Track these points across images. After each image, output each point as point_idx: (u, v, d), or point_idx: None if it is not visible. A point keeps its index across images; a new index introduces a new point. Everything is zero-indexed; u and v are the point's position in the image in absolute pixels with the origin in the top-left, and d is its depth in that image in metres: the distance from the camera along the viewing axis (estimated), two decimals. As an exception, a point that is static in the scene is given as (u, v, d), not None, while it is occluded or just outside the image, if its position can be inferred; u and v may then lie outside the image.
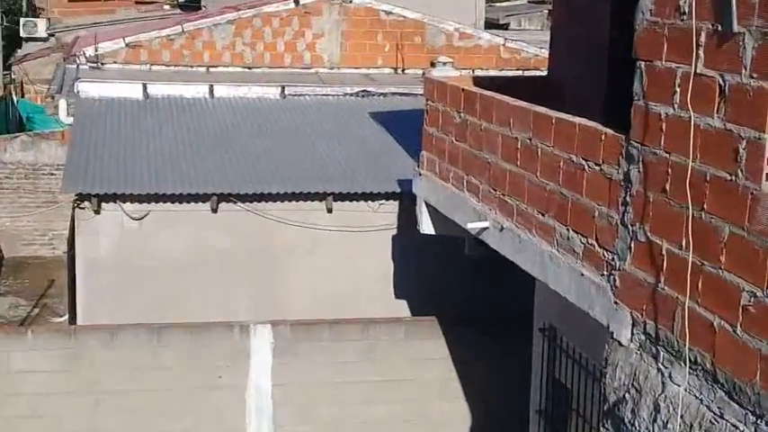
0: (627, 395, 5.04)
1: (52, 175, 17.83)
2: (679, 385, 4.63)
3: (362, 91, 14.10)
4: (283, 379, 10.26)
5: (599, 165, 5.53)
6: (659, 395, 4.77)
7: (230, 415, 10.20)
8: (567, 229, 5.88)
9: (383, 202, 11.43)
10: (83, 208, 10.99)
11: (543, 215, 6.23)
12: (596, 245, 5.54)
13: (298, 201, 11.30)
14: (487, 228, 7.09)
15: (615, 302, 5.30)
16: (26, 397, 9.81)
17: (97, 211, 11.00)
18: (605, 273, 5.43)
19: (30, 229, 18.63)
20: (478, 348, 10.41)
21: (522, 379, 9.10)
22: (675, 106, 4.78)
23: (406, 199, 10.91)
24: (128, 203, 11.06)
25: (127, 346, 9.97)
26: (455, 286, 11.49)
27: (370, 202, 11.43)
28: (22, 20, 24.65)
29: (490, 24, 23.55)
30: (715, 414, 4.33)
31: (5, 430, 9.75)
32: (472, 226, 7.25)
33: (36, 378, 9.81)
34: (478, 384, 10.43)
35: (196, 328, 10.14)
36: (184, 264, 11.22)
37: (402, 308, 11.46)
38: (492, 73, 14.69)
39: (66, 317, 12.75)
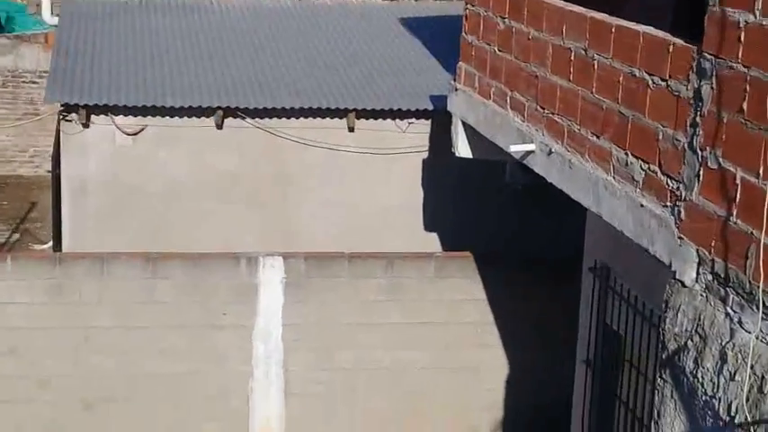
0: (689, 343, 5.09)
1: (34, 83, 17.88)
2: (750, 332, 4.66)
3: (391, -8, 14.07)
4: (295, 319, 10.36)
5: (665, 80, 5.51)
6: (726, 343, 4.82)
7: (234, 359, 10.32)
8: (626, 154, 5.88)
9: (413, 120, 11.44)
10: (69, 121, 11.05)
11: (598, 137, 6.23)
12: (659, 172, 5.54)
13: (315, 117, 11.34)
14: (533, 151, 7.10)
15: (679, 238, 5.32)
16: (4, 332, 9.97)
17: (86, 125, 11.06)
18: (668, 204, 5.44)
19: (8, 145, 18.73)
20: (519, 289, 10.48)
21: (567, 325, 9.19)
22: (757, 13, 4.74)
23: (439, 118, 10.83)
24: (120, 116, 11.10)
25: (118, 277, 10.06)
26: (493, 218, 11.57)
27: (397, 120, 11.45)
28: None
29: None
30: (789, 365, 4.37)
31: (-20, 369, 9.92)
32: (515, 149, 7.25)
33: (16, 311, 9.97)
34: (518, 330, 10.53)
35: (197, 260, 10.22)
36: (184, 187, 11.33)
37: (432, 242, 11.53)
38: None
39: (50, 244, 12.97)
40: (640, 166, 5.73)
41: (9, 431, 10.00)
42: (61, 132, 11.21)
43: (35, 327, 9.99)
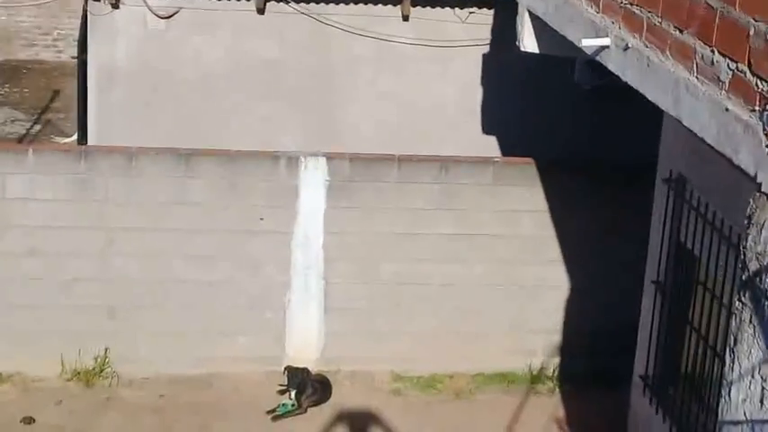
0: (773, 263, 5.04)
1: (59, -42, 17.86)
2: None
3: None
4: (338, 226, 10.40)
5: (760, -32, 5.36)
6: (814, 265, 4.76)
7: (271, 267, 10.40)
8: (712, 51, 5.77)
9: (474, 10, 11.35)
10: (97, 0, 11.07)
11: (681, 32, 6.11)
12: (748, 72, 5.43)
13: (366, 4, 11.29)
14: (607, 46, 6.99)
15: (767, 146, 5.23)
16: (24, 230, 10.08)
17: (115, 5, 11.11)
18: (757, 108, 5.34)
19: (29, 27, 18.81)
20: (584, 200, 10.42)
21: (637, 241, 9.14)
22: None
23: (503, 7, 10.78)
24: (153, -4, 11.07)
25: (148, 173, 10.11)
26: (559, 122, 11.53)
27: (457, 9, 11.34)
28: None
29: None
30: None
31: (-2, 269, 10.08)
32: (588, 43, 7.15)
33: (37, 208, 10.05)
34: (582, 246, 10.51)
35: (233, 157, 10.23)
36: (220, 78, 11.36)
37: (491, 147, 11.50)
38: None
39: (75, 137, 12.92)
40: (728, 64, 5.62)
41: (30, 337, 10.17)
42: (88, 13, 11.25)
43: (57, 226, 10.08)
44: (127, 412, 9.89)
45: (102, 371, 10.28)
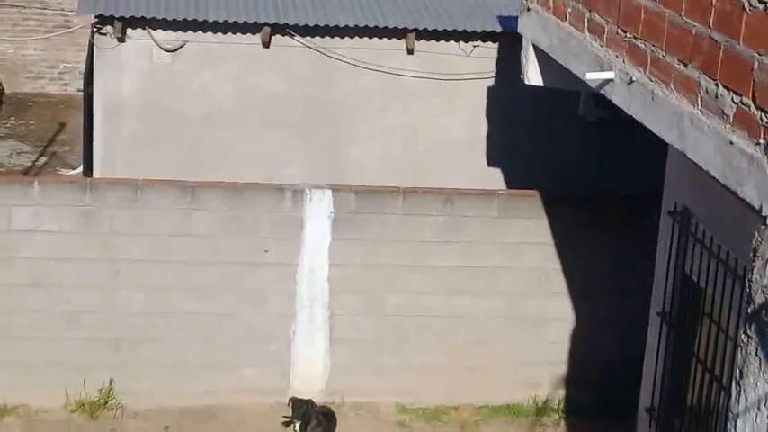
0: (778, 296, 5.04)
1: (65, -9, 17.95)
2: None
3: None
4: (343, 259, 10.40)
5: (764, 2, 5.40)
6: (820, 297, 4.76)
7: (276, 300, 10.39)
8: (716, 85, 5.78)
9: (478, 43, 11.40)
10: (103, 34, 11.11)
11: (686, 65, 6.13)
12: (752, 105, 5.45)
13: (371, 37, 11.32)
14: (612, 80, 7.01)
15: (771, 179, 5.24)
16: (29, 262, 10.08)
17: (121, 39, 11.12)
18: (762, 141, 5.35)
19: (36, 60, 18.86)
20: (589, 233, 10.43)
21: (642, 274, 9.15)
22: None
23: (507, 40, 10.82)
24: (159, 31, 11.14)
25: (153, 206, 10.13)
26: (564, 155, 11.54)
27: (461, 43, 11.39)
28: None
29: None
30: None
31: (2, 302, 10.08)
32: (592, 77, 7.17)
33: (42, 240, 10.04)
34: (587, 279, 10.52)
35: (238, 190, 10.25)
36: (226, 111, 11.38)
37: (496, 179, 11.53)
38: None
39: (81, 169, 13.02)
40: (732, 98, 5.64)
41: (35, 368, 10.16)
42: (94, 47, 11.26)
43: (62, 257, 10.08)
44: None
45: (106, 402, 10.26)
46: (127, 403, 10.28)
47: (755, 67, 5.46)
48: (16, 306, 10.10)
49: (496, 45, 11.34)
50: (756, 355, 5.20)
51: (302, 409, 9.97)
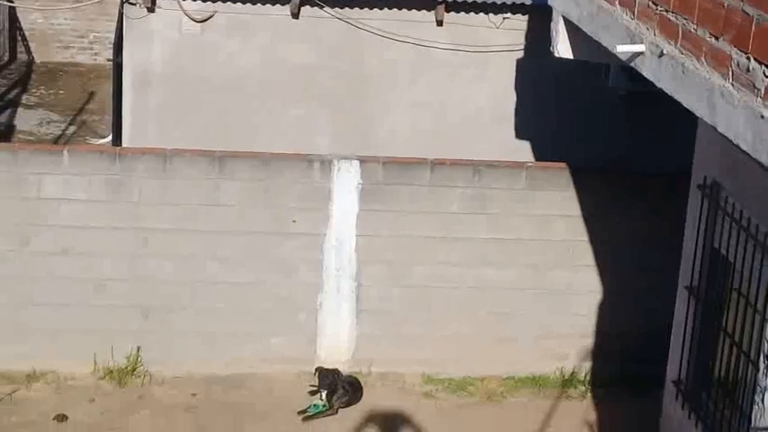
0: (807, 271, 5.02)
1: (96, -39, 17.92)
2: None
3: None
4: (370, 230, 10.43)
5: (797, -25, 5.35)
6: None
7: (303, 270, 10.45)
8: (748, 58, 5.74)
9: (508, 15, 11.36)
10: (133, 4, 11.13)
11: (717, 39, 6.08)
12: (784, 79, 5.42)
13: (401, 9, 11.30)
14: (642, 53, 6.96)
15: (803, 154, 5.20)
16: (58, 230, 10.14)
17: (151, 9, 11.14)
18: (793, 115, 5.32)
19: (66, 29, 18.92)
20: (618, 206, 10.43)
21: (670, 247, 9.11)
22: None
23: (537, 13, 10.79)
24: (188, 0, 11.13)
25: (182, 175, 10.17)
26: (593, 128, 11.51)
27: (491, 14, 11.35)
28: None
29: None
30: None
31: (31, 269, 10.16)
32: (623, 49, 7.11)
33: (71, 208, 10.10)
34: (614, 251, 10.52)
35: (267, 160, 10.28)
36: (254, 82, 11.38)
37: (524, 151, 11.52)
38: None
39: (110, 138, 13.10)
40: (763, 72, 5.59)
41: (63, 335, 10.24)
42: (124, 17, 11.30)
43: (91, 226, 10.13)
44: (159, 411, 9.94)
45: (134, 370, 10.34)
46: (154, 371, 10.35)
47: (788, 40, 5.42)
48: (45, 274, 10.17)
49: (526, 17, 11.30)
50: (785, 329, 5.18)
51: (328, 378, 10.05)
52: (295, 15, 11.22)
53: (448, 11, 11.24)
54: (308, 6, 11.21)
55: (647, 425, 9.28)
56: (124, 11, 11.23)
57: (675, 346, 8.66)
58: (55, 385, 10.16)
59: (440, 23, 11.30)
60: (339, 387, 10.07)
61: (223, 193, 10.22)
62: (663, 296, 9.30)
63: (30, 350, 10.16)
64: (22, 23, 18.94)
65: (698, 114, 6.28)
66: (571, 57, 8.77)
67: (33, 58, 18.74)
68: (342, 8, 11.24)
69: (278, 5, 11.20)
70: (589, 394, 10.60)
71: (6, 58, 18.85)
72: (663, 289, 9.36)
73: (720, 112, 5.98)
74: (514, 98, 11.50)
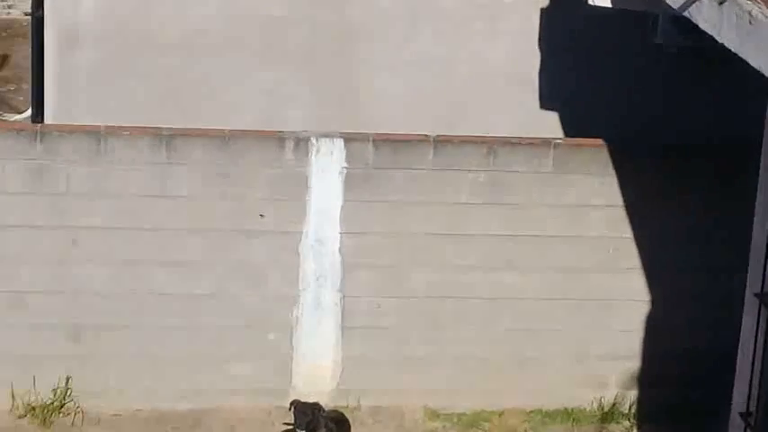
0: None
1: None
2: None
3: None
4: (359, 225, 10.44)
5: None
6: None
7: (274, 277, 10.45)
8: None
9: (530, -47, 11.25)
10: (56, -58, 10.96)
11: (793, -20, 6.08)
12: None
13: (392, -56, 11.18)
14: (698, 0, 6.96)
15: None
16: (-32, 229, 10.09)
17: (80, -52, 10.96)
18: None
19: (-28, -24, 18.81)
20: (669, 193, 10.47)
21: (735, 244, 9.15)
22: None
23: (567, -48, 10.73)
24: (127, -64, 11.00)
25: (120, 159, 10.10)
26: (637, 93, 11.42)
27: (508, -48, 11.27)
28: None
29: None
30: None
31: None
32: (674, -5, 7.13)
33: (-21, 203, 10.10)
34: (667, 250, 10.55)
35: (227, 139, 10.23)
36: (211, 40, 11.26)
37: (550, 124, 11.40)
38: None
39: (29, 113, 12.89)
40: None
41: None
42: (45, -42, 11.16)
43: (5, 224, 10.11)
44: None
45: (62, 405, 10.28)
46: (88, 406, 10.31)
47: None
48: (-53, 285, 10.16)
49: (552, -44, 11.24)
50: None
51: (307, 415, 9.92)
52: (261, -45, 11.13)
53: (452, -54, 11.14)
54: (277, -56, 11.13)
55: (710, 468, 9.28)
56: (46, -50, 11.14)
57: (743, 369, 8.62)
58: (-38, 426, 10.10)
59: (445, -36, 11.21)
60: (321, 426, 9.95)
61: (173, 182, 10.23)
62: (727, 306, 9.33)
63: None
64: None
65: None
66: (609, 6, 8.77)
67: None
68: (320, -55, 11.17)
69: (238, -59, 11.11)
70: (635, 431, 10.60)
71: None
72: (727, 297, 9.41)
73: (797, 73, 5.98)
74: (537, 58, 11.43)
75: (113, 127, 10.21)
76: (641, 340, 10.70)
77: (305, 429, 9.91)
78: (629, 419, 10.70)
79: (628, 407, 10.74)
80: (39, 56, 11.43)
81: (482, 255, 10.51)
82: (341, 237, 10.43)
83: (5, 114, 15.67)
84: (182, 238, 10.30)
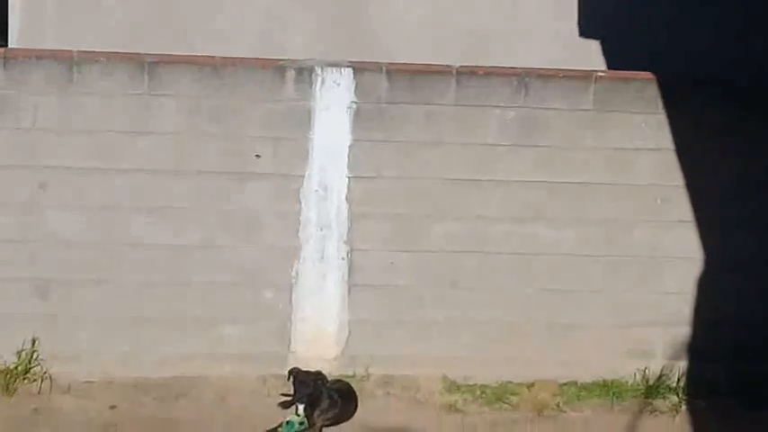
0: None
1: None
2: None
3: None
4: (369, 169, 10.19)
5: None
6: None
7: (271, 227, 10.21)
8: None
9: None
10: None
11: None
12: None
13: None
14: None
15: None
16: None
17: None
18: None
19: None
20: (728, 136, 10.18)
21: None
22: None
23: None
24: None
25: (95, 90, 9.90)
26: (694, 18, 11.33)
27: None
28: None
29: None
30: None
31: None
32: None
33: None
34: (725, 201, 10.28)
35: (219, 67, 10.03)
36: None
37: (590, 54, 11.26)
38: None
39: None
40: None
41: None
42: None
43: (-33, 165, 10.21)
44: (63, 431, 9.52)
45: (28, 371, 9.99)
46: (56, 373, 10.00)
47: None
48: None
49: None
50: None
51: (308, 385, 9.64)
52: None
53: None
54: None
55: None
56: None
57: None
58: None
59: None
60: (323, 397, 9.66)
61: (155, 116, 9.99)
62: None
63: None
64: None
65: None
66: None
67: None
68: None
69: None
70: (683, 407, 10.26)
71: None
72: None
73: None
74: (576, -24, 11.41)
75: (88, 53, 10.01)
76: (692, 304, 10.44)
77: (305, 401, 9.61)
78: (676, 394, 10.32)
79: (675, 380, 10.40)
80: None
81: (510, 204, 10.27)
82: (348, 181, 10.18)
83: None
84: (165, 181, 10.05)
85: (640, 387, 10.31)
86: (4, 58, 9.87)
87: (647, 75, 10.18)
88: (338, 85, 9.99)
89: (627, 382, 10.32)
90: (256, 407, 9.83)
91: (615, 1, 11.39)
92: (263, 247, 10.17)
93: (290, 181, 10.09)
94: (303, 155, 10.05)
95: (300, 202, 10.10)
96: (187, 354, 10.13)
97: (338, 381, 9.97)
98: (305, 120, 10.00)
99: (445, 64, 10.16)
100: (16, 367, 9.86)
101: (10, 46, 11.01)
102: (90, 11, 11.10)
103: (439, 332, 10.30)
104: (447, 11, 11.43)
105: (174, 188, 10.02)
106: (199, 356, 10.14)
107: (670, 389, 10.31)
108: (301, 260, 10.18)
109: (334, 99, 10.01)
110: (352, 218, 10.19)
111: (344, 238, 10.20)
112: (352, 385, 9.98)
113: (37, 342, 9.95)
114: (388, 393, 10.17)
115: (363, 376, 10.19)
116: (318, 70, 9.98)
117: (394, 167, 10.15)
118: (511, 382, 10.30)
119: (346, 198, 10.14)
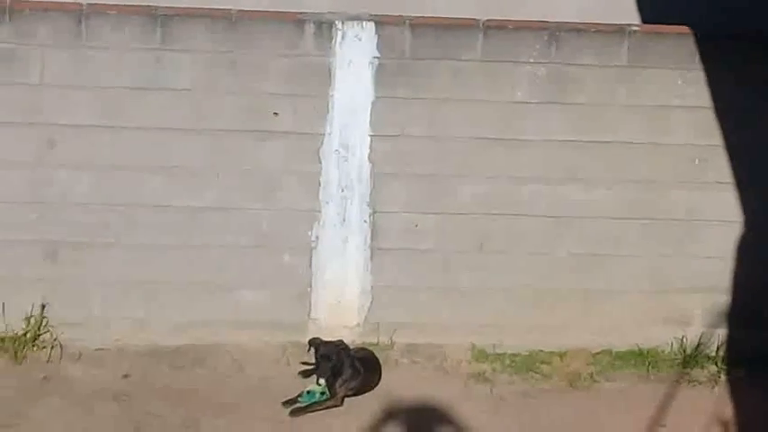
0: None
1: None
2: None
3: None
4: (393, 128, 10.19)
5: None
6: None
7: (290, 188, 10.23)
8: None
9: None
10: None
11: None
12: None
13: None
14: None
15: None
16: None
17: None
18: None
19: None
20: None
21: None
22: None
23: None
24: None
25: (105, 44, 9.89)
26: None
27: None
28: None
29: None
30: None
31: None
32: None
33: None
34: (763, 161, 10.27)
35: (235, 21, 10.03)
36: None
37: (625, 7, 11.15)
38: None
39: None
40: None
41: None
42: None
43: (-26, 121, 10.21)
44: (74, 400, 9.46)
45: (37, 337, 10.03)
46: (67, 340, 10.02)
47: None
48: None
49: None
50: None
51: (330, 354, 9.68)
52: None
53: None
54: None
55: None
56: None
57: None
58: None
59: None
60: (346, 366, 9.68)
61: (168, 72, 9.99)
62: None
63: None
64: None
65: None
66: None
67: None
68: None
69: None
70: (723, 377, 10.26)
71: None
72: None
73: None
74: None
75: (98, 5, 9.97)
76: (732, 269, 10.43)
77: (326, 372, 9.66)
78: (716, 363, 10.33)
79: (715, 349, 10.41)
80: None
81: (540, 164, 10.28)
82: (370, 140, 10.19)
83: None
84: (179, 139, 10.06)
85: (677, 356, 10.33)
86: (11, 10, 9.83)
87: (684, 29, 10.15)
88: (360, 39, 10.02)
89: (663, 351, 10.35)
90: (276, 375, 9.89)
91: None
92: (281, 209, 10.19)
93: (310, 139, 10.12)
94: (323, 112, 10.08)
95: (321, 162, 10.15)
96: (203, 320, 10.20)
97: (362, 349, 10.03)
98: (325, 76, 10.03)
99: (471, 17, 10.15)
100: (25, 334, 9.93)
101: (17, -1, 11.25)
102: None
103: (466, 298, 10.32)
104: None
105: (188, 147, 10.05)
106: (215, 323, 10.20)
107: (709, 358, 10.34)
108: (321, 223, 10.23)
109: (355, 54, 10.02)
110: (375, 178, 10.23)
111: (367, 199, 10.24)
112: (376, 354, 10.04)
113: (46, 308, 10.02)
114: (414, 362, 10.22)
115: (387, 344, 10.24)
116: (339, 24, 10.00)
117: (419, 125, 10.14)
118: (542, 351, 10.33)
119: (369, 158, 10.19)
